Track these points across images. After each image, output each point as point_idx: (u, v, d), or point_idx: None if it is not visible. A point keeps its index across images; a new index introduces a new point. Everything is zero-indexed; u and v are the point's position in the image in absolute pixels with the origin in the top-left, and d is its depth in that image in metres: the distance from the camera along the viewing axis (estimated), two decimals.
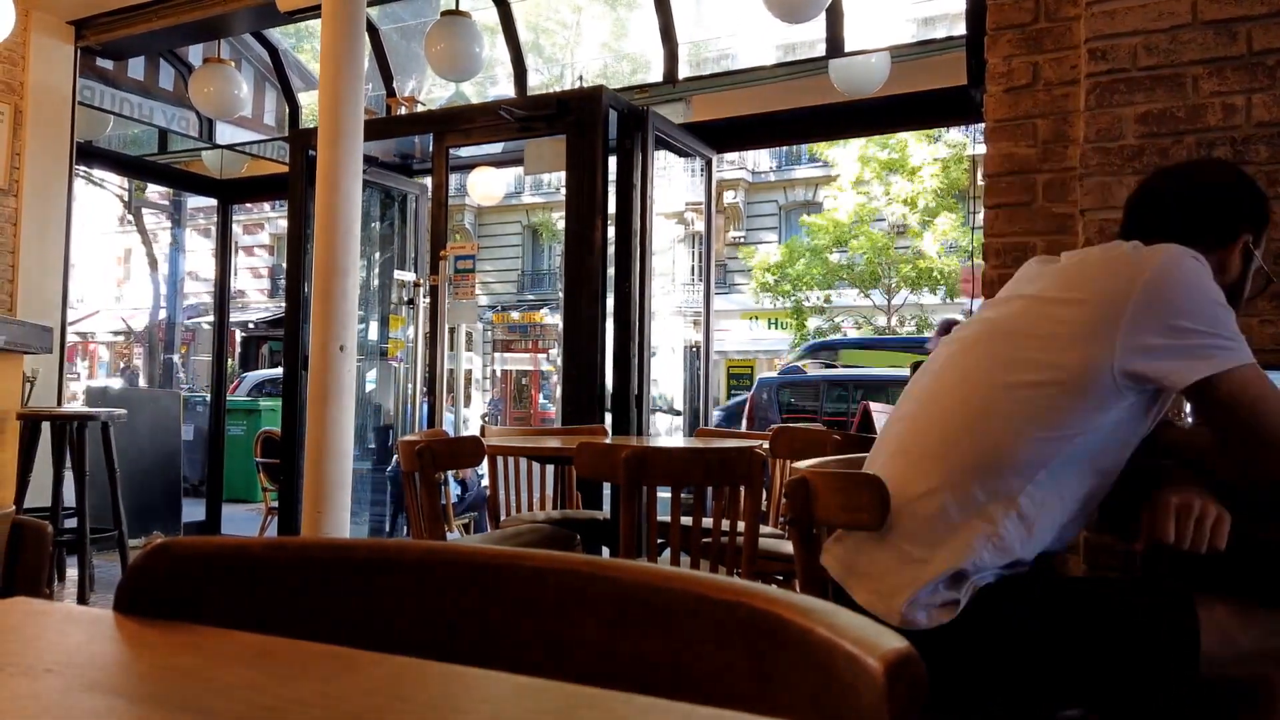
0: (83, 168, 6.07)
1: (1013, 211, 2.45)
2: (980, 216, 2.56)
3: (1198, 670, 1.20)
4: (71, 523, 3.82)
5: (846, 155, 15.79)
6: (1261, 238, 1.44)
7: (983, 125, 2.53)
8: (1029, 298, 1.38)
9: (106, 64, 5.39)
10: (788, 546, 2.34)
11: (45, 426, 3.78)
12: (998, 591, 1.28)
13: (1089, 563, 2.03)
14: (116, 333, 21.80)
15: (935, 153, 15.07)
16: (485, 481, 3.98)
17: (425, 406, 4.61)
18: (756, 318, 19.03)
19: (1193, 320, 1.23)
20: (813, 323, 17.07)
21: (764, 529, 2.63)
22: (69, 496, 3.84)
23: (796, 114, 4.48)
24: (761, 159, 19.73)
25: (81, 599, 3.80)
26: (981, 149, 2.56)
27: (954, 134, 15.10)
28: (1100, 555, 2.01)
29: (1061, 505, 1.30)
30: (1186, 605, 1.24)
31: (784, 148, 18.45)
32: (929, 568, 1.27)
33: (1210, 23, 2.03)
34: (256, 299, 21.34)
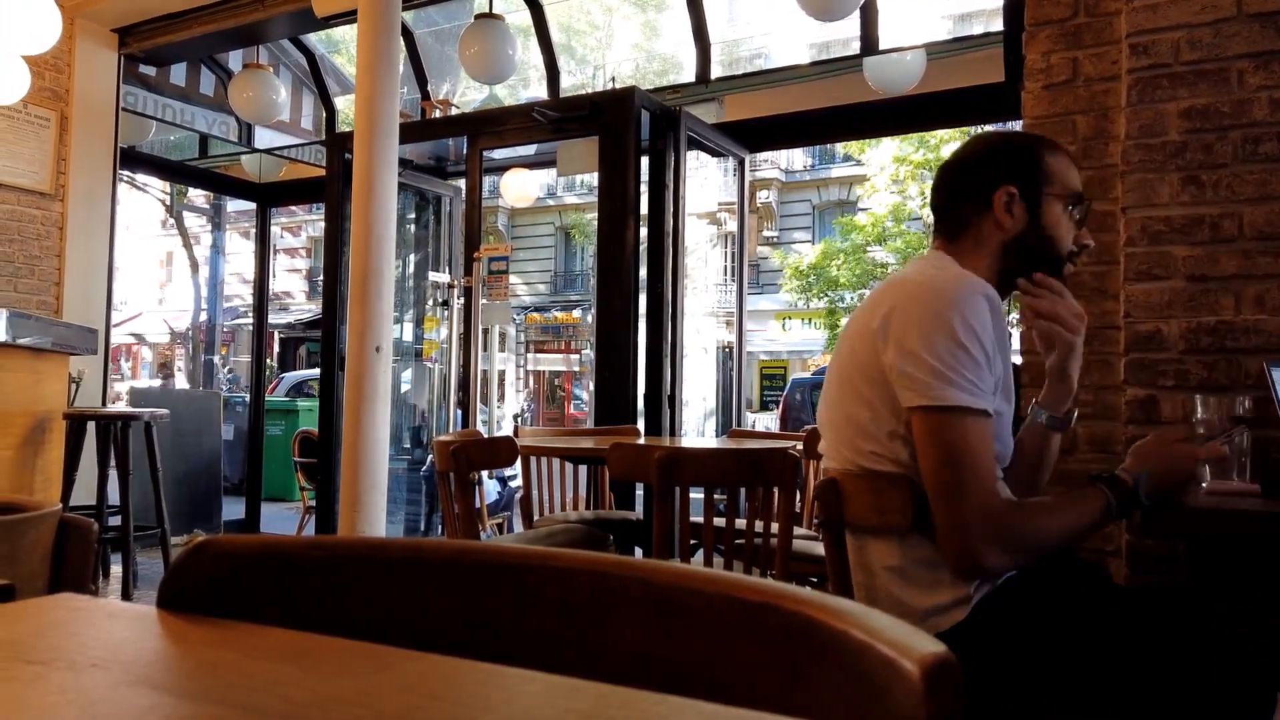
0: (126, 172, 6.20)
1: None
2: None
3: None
4: (115, 520, 3.90)
5: (880, 155, 15.65)
6: (1037, 180, 1.42)
7: (1021, 123, 2.50)
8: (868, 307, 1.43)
9: (149, 70, 5.50)
10: (821, 548, 2.32)
11: (90, 426, 3.86)
12: (1010, 585, 1.29)
13: (1131, 568, 1.99)
14: (164, 334, 22.22)
15: None
16: (518, 481, 4.01)
17: (459, 407, 4.65)
18: (790, 318, 18.93)
19: (924, 349, 1.25)
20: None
21: (797, 530, 2.62)
22: (113, 495, 3.92)
23: (830, 113, 4.44)
24: (795, 158, 19.62)
25: (125, 595, 3.88)
26: None
27: (991, 130, 14.89)
28: (1144, 560, 1.98)
29: None
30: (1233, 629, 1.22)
31: (818, 146, 18.32)
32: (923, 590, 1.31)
33: (1256, 15, 1.98)
34: (296, 301, 21.65)
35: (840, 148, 17.90)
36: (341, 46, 11.22)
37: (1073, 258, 1.46)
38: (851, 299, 16.62)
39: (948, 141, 14.85)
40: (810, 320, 18.35)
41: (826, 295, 16.56)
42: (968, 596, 1.28)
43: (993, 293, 1.30)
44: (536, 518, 3.16)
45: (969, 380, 1.23)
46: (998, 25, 3.52)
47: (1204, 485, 1.44)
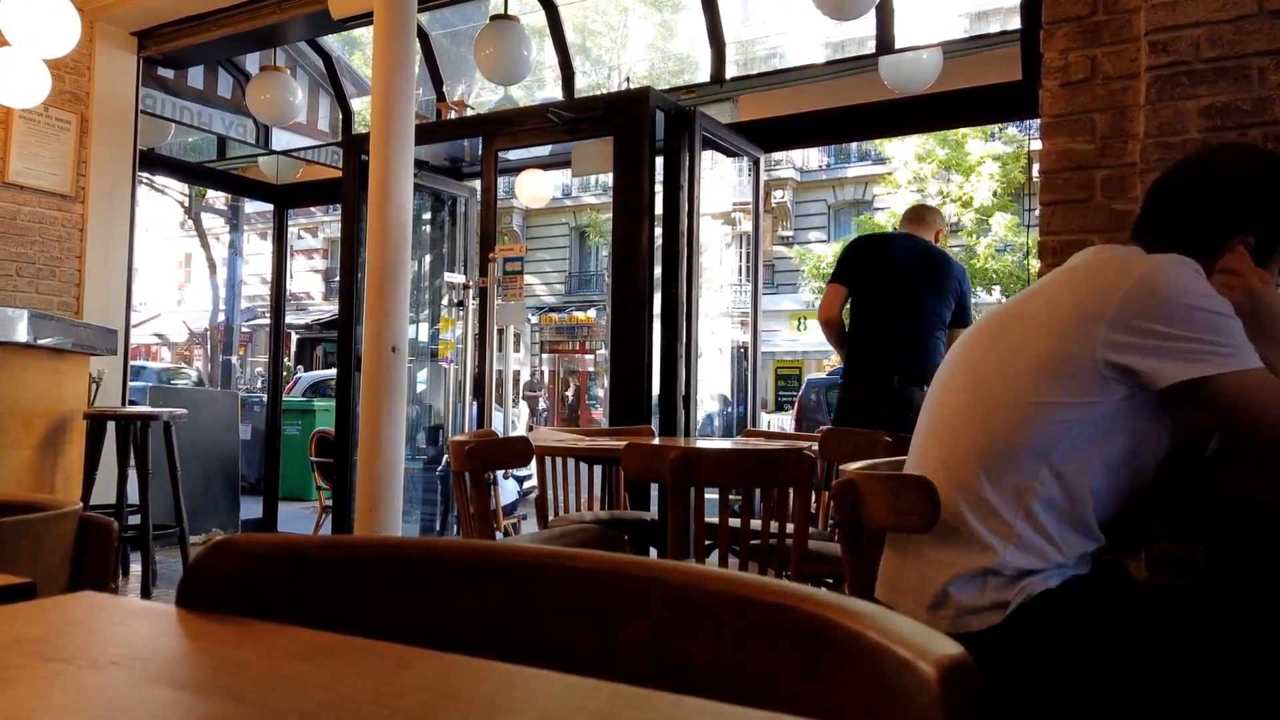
0: (145, 174, 6.25)
1: (1070, 208, 2.40)
2: (1037, 213, 2.51)
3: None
4: (135, 519, 3.94)
5: (903, 150, 15.58)
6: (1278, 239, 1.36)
7: (1038, 121, 2.48)
8: (1028, 295, 1.42)
9: (167, 73, 5.54)
10: (837, 549, 2.32)
11: (110, 426, 3.90)
12: (1053, 599, 1.26)
13: (1150, 569, 1.98)
14: (183, 334, 22.41)
15: (994, 150, 14.81)
16: (533, 481, 4.02)
17: (474, 407, 4.66)
18: (805, 318, 18.88)
19: (1175, 325, 1.23)
20: None
21: (813, 531, 2.61)
22: (133, 494, 3.95)
23: (846, 112, 4.43)
24: (810, 157, 19.58)
25: (145, 594, 3.91)
26: (1038, 144, 2.51)
27: (1013, 130, 14.84)
28: (1162, 562, 1.96)
29: (1072, 502, 1.29)
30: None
31: (833, 146, 18.27)
32: (951, 569, 1.29)
33: (1277, 12, 1.96)
34: (313, 301, 21.77)
35: (856, 147, 17.86)
36: (358, 48, 11.27)
37: None
38: None
39: (970, 139, 14.78)
40: None
41: None
42: (1005, 601, 1.26)
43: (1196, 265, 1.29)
44: (551, 518, 3.16)
45: (1241, 340, 1.24)
46: (1015, 23, 3.50)
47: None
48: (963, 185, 14.98)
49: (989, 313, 1.49)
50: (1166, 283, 1.26)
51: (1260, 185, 1.39)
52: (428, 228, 5.73)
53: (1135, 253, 1.35)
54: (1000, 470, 1.29)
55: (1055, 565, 1.28)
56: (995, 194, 14.78)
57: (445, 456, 5.22)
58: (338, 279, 5.61)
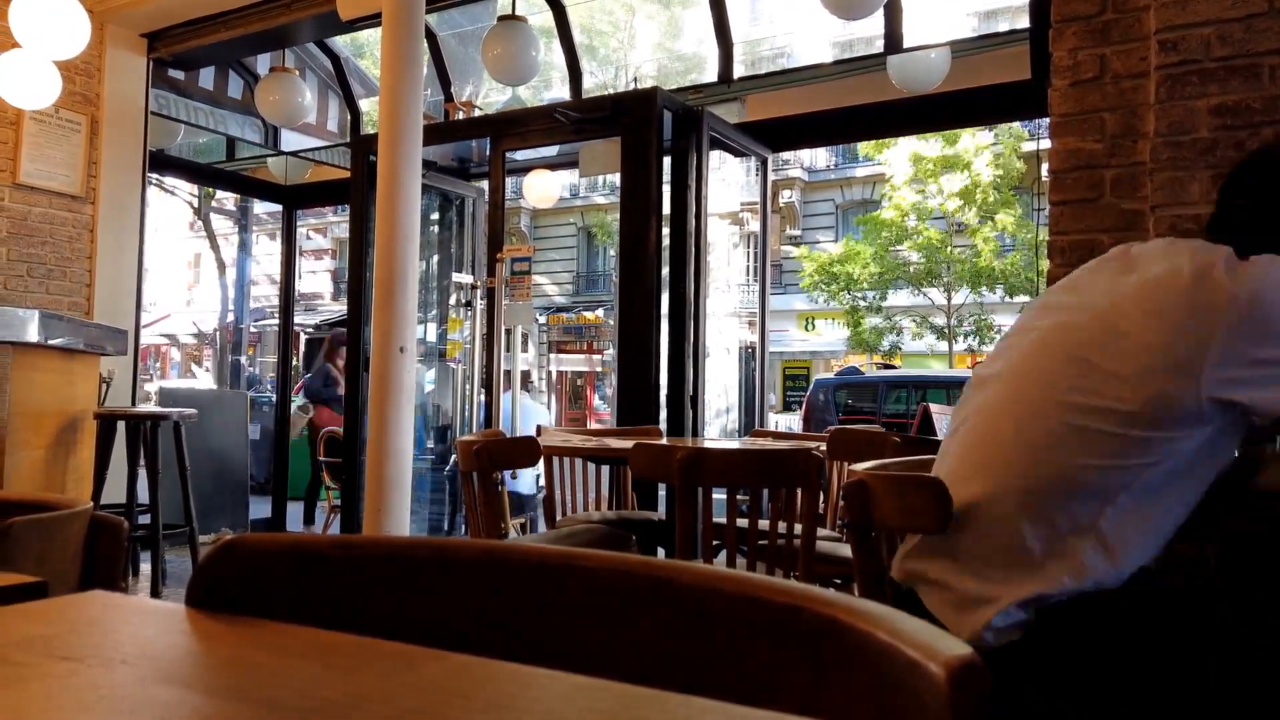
0: (155, 175, 6.28)
1: (1079, 208, 2.39)
2: (1045, 213, 2.50)
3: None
4: (145, 519, 3.95)
5: (898, 155, 15.56)
6: None
7: (1047, 120, 2.47)
8: (1101, 311, 1.27)
9: (177, 75, 5.56)
10: (845, 549, 2.31)
11: (120, 426, 3.91)
12: (1067, 610, 1.24)
13: (1159, 569, 1.96)
14: (193, 334, 22.51)
15: (983, 143, 14.77)
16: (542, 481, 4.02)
17: (483, 407, 4.66)
18: (813, 318, 18.86)
19: None
20: (870, 322, 16.86)
21: (821, 531, 2.60)
22: (143, 493, 3.97)
23: (854, 112, 4.42)
24: (818, 157, 19.56)
25: (154, 593, 3.93)
26: (1043, 143, 2.50)
27: (1009, 124, 14.79)
28: (1172, 563, 1.95)
29: (1149, 528, 1.24)
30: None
31: (841, 146, 18.24)
32: (1008, 593, 1.24)
33: None
34: (323, 301, 21.83)
35: (862, 147, 17.83)
36: (366, 49, 11.29)
37: None
38: (873, 298, 16.52)
39: (961, 135, 14.73)
40: (833, 320, 18.28)
41: (848, 294, 16.47)
42: (1025, 621, 1.24)
43: None
44: (559, 518, 3.16)
45: None
46: (1023, 22, 3.49)
47: None
48: (946, 189, 14.92)
49: (1051, 319, 1.36)
50: (1275, 296, 1.16)
51: None
52: (436, 228, 5.74)
53: (1229, 258, 1.21)
54: (1075, 499, 1.23)
55: (1096, 586, 1.24)
56: (995, 182, 14.72)
57: (454, 456, 5.23)
58: (346, 279, 5.62)
